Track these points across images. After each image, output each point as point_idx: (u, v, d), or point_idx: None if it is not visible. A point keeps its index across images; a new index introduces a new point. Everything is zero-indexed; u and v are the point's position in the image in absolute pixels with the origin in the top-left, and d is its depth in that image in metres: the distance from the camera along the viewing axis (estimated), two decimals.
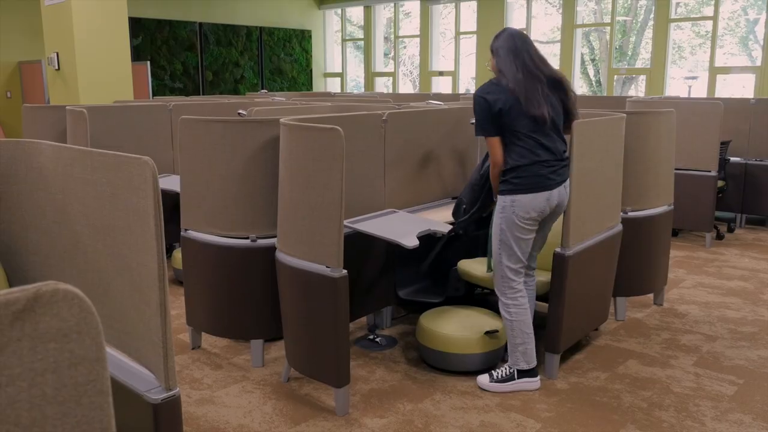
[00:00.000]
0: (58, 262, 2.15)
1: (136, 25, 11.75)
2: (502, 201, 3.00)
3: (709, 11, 10.17)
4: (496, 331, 3.25)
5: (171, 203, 5.01)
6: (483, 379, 3.17)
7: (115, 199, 1.78)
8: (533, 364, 3.12)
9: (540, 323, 3.79)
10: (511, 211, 2.95)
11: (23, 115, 5.14)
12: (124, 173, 1.72)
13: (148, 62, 9.90)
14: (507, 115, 2.90)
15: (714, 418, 2.89)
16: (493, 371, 3.17)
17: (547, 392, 3.13)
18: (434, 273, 3.99)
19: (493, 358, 3.31)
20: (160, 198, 1.64)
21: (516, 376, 3.11)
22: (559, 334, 3.21)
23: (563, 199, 3.05)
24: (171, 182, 4.67)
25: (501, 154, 2.95)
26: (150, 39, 12.00)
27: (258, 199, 3.30)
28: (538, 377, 3.15)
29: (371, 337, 3.73)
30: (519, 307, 3.07)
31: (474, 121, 3.03)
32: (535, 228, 3.03)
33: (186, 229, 3.46)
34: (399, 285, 3.82)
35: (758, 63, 9.76)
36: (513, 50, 2.97)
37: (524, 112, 2.88)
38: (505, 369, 3.14)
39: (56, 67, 7.00)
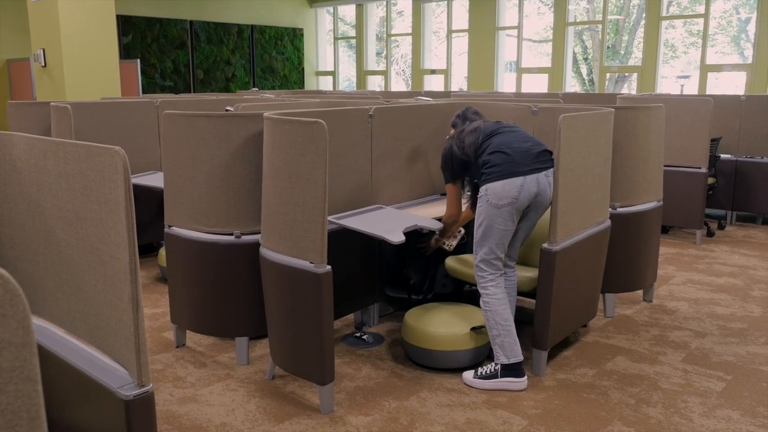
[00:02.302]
0: (32, 256, 2.11)
1: (126, 23, 11.68)
2: (481, 191, 3.07)
3: (701, 10, 10.17)
4: (483, 327, 3.22)
5: (157, 201, 4.97)
6: (467, 375, 3.14)
7: (87, 190, 1.74)
8: (515, 359, 3.06)
9: (527, 319, 3.76)
10: (485, 200, 3.02)
11: (8, 111, 5.08)
12: (96, 164, 1.68)
13: (138, 60, 9.83)
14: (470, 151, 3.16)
15: (702, 414, 2.86)
16: (479, 368, 3.14)
17: (535, 389, 3.10)
18: (422, 270, 3.95)
19: (480, 354, 3.28)
20: (131, 189, 1.60)
21: (499, 374, 3.07)
22: (547, 330, 3.18)
23: (544, 188, 3.05)
24: (157, 179, 4.63)
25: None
26: (140, 37, 11.93)
27: (242, 195, 3.25)
28: (525, 378, 3.08)
29: (358, 334, 3.69)
30: (491, 297, 3.07)
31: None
32: (514, 218, 3.04)
33: (170, 226, 3.42)
34: (386, 282, 3.79)
35: (750, 61, 9.76)
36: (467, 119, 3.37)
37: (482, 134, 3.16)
38: (490, 366, 3.11)
39: (43, 64, 6.93)
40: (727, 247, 5.70)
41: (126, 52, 11.66)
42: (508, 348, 3.06)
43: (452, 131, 3.36)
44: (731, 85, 11.24)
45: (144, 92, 11.08)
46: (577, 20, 11.93)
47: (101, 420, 1.76)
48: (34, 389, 0.61)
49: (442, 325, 3.25)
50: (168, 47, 12.32)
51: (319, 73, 15.13)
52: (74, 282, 1.88)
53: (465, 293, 4.08)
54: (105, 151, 1.63)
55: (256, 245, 3.16)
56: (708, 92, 10.01)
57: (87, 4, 6.89)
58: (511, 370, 3.06)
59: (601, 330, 3.82)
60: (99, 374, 1.76)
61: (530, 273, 3.42)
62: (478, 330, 3.23)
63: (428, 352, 3.25)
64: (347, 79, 15.20)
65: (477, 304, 3.48)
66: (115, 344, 1.75)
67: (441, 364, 3.26)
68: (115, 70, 7.18)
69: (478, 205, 3.08)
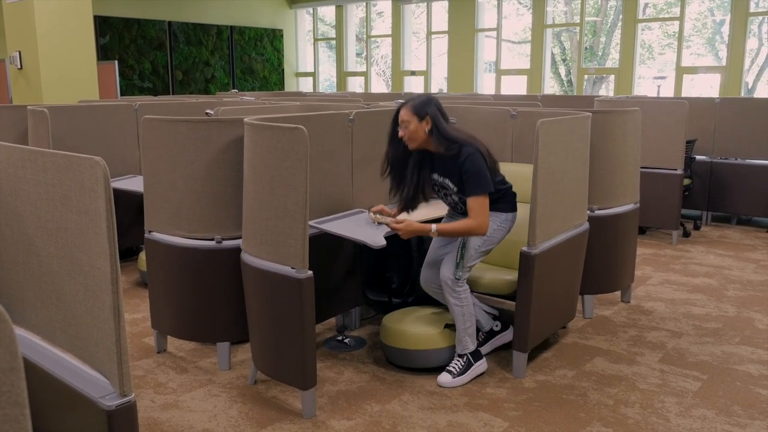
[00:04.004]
0: (12, 266, 2.09)
1: (104, 23, 11.56)
2: (503, 216, 3.19)
3: (676, 12, 10.32)
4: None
5: (137, 205, 4.93)
6: (444, 378, 3.17)
7: (66, 200, 1.74)
8: (477, 343, 3.34)
9: (508, 322, 3.79)
10: (509, 225, 3.22)
11: None
12: (75, 174, 1.67)
13: (116, 61, 9.73)
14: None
15: (678, 414, 2.92)
16: (450, 368, 3.19)
17: (515, 391, 3.13)
18: (403, 273, 3.97)
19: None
20: (112, 199, 1.60)
21: (471, 362, 3.23)
22: (527, 332, 3.22)
23: None
24: (137, 183, 4.60)
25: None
26: (118, 38, 11.82)
27: (223, 200, 3.25)
28: (484, 357, 3.31)
29: (340, 338, 3.70)
30: (467, 291, 3.22)
31: (473, 179, 3.00)
32: None
33: (150, 231, 3.40)
34: (368, 285, 3.80)
35: (724, 63, 9.92)
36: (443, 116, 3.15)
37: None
38: (460, 361, 3.21)
39: (18, 66, 6.85)
40: (703, 247, 5.80)
41: (103, 53, 11.55)
42: (474, 333, 3.28)
43: (421, 123, 3.04)
44: (706, 86, 11.41)
45: (122, 94, 10.98)
46: (556, 22, 12.05)
47: (83, 430, 1.76)
48: (22, 413, 0.61)
49: (417, 324, 3.29)
50: (146, 48, 12.22)
51: (298, 74, 15.11)
52: (55, 291, 1.87)
53: None
54: (85, 161, 1.62)
55: (237, 250, 3.16)
56: (684, 94, 10.17)
57: (63, 5, 6.82)
58: (475, 354, 3.25)
59: (580, 331, 3.87)
60: (80, 384, 1.75)
61: (509, 276, 3.45)
62: (452, 327, 3.28)
63: (405, 352, 3.28)
64: (327, 80, 15.19)
65: None
66: (96, 354, 1.75)
67: (419, 364, 3.28)
68: (92, 71, 7.12)
69: (492, 227, 3.14)
